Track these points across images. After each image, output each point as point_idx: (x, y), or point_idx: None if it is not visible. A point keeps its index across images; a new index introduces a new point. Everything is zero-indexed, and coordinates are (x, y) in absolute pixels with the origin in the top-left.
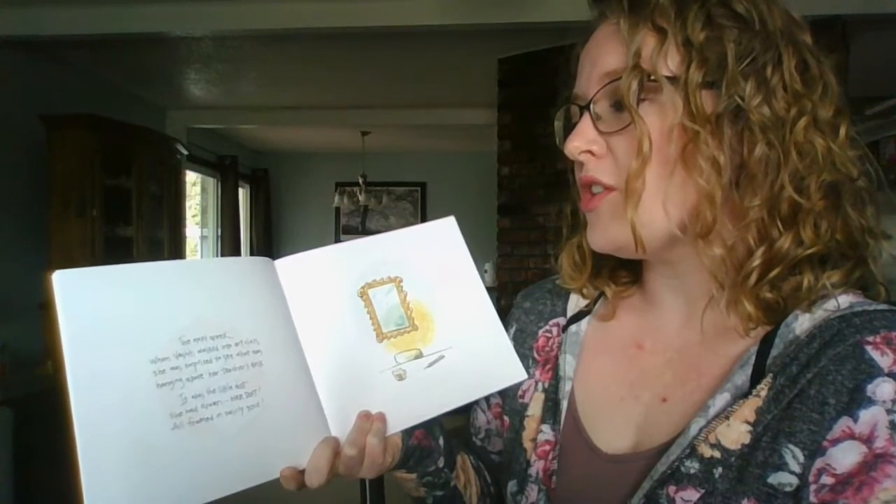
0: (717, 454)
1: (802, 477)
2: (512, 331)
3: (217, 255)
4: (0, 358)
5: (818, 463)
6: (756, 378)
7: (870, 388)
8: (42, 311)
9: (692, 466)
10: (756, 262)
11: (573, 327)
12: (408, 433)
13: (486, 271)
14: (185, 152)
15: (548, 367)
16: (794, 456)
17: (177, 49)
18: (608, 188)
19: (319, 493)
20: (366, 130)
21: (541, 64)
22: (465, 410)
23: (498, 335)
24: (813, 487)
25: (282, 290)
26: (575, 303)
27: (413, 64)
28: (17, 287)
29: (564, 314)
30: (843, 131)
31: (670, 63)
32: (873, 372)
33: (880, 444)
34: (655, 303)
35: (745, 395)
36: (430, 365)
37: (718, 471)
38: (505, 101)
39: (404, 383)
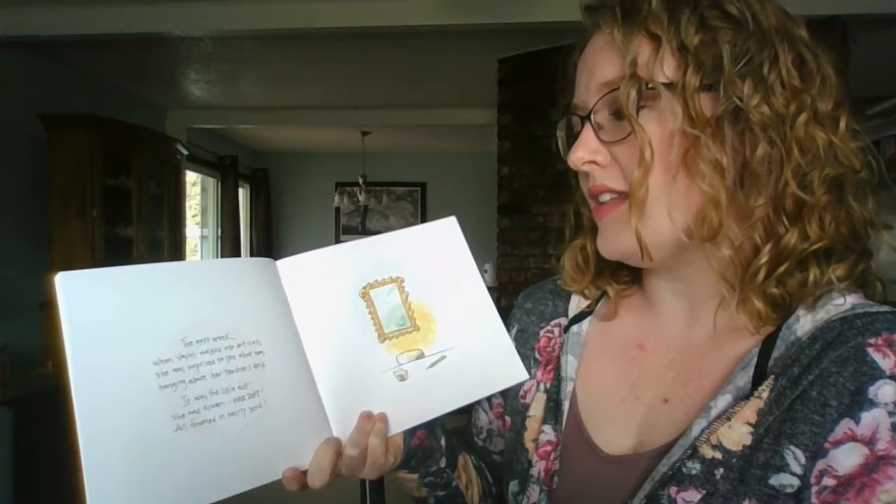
0: (718, 455)
1: (804, 478)
2: (513, 331)
3: (217, 255)
4: (0, 358)
5: (819, 464)
6: (758, 379)
7: (871, 390)
8: (42, 311)
9: (693, 467)
10: (763, 259)
11: (575, 328)
12: (409, 433)
13: (486, 271)
14: (185, 152)
15: (549, 367)
16: (795, 457)
17: (177, 49)
18: (621, 194)
19: (320, 493)
20: (366, 130)
21: (541, 64)
22: (467, 410)
23: (499, 335)
24: (814, 489)
25: (283, 290)
26: (576, 303)
27: (413, 64)
28: (18, 287)
29: (566, 314)
30: (843, 124)
31: (666, 69)
32: (875, 374)
33: (882, 446)
34: (655, 303)
35: (746, 396)
36: (432, 365)
37: (720, 472)
38: (505, 101)
39: (406, 384)
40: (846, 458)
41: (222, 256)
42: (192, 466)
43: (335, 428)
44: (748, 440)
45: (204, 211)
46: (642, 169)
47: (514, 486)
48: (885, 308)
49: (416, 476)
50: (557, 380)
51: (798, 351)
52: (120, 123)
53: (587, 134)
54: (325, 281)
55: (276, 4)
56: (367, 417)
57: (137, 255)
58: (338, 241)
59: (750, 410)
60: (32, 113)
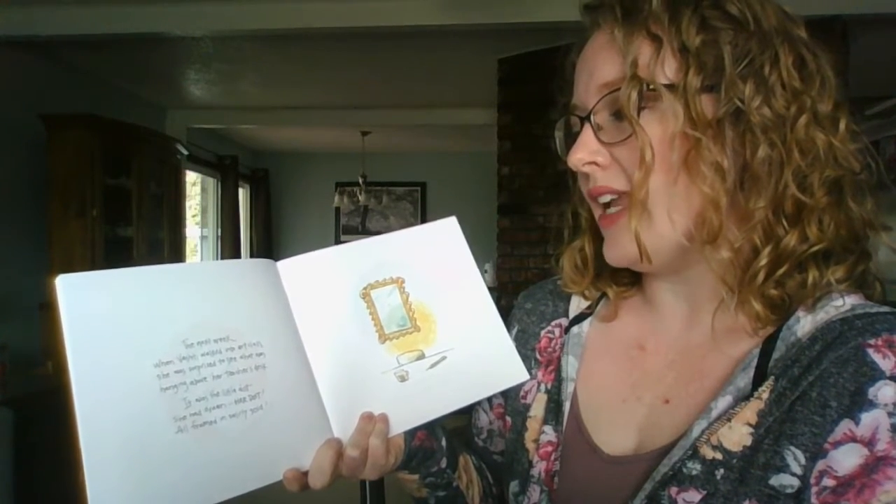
0: (718, 456)
1: (804, 479)
2: (514, 332)
3: (217, 255)
4: (0, 358)
5: (819, 465)
6: (758, 380)
7: (871, 390)
8: (42, 311)
9: (694, 468)
10: (763, 261)
11: (575, 328)
12: (410, 434)
13: (486, 271)
14: (185, 152)
15: (550, 368)
16: (795, 458)
17: (177, 49)
18: (623, 194)
19: (320, 494)
20: (366, 130)
21: (541, 64)
22: (467, 411)
23: (500, 336)
24: (814, 489)
25: (284, 291)
26: (576, 304)
27: (413, 64)
28: (18, 287)
29: (566, 315)
30: (842, 125)
31: (668, 70)
32: (875, 375)
33: (881, 446)
34: (656, 304)
35: (746, 397)
36: (433, 366)
37: (720, 472)
38: (505, 101)
39: (407, 384)
40: (846, 459)
41: (222, 256)
42: (193, 468)
43: (336, 429)
44: (748, 441)
45: (204, 211)
46: (643, 170)
47: (514, 486)
48: (884, 309)
49: (416, 477)
50: (558, 380)
51: (798, 352)
52: (120, 123)
53: (587, 135)
54: (325, 282)
55: (276, 4)
56: (368, 418)
57: (137, 256)
58: (338, 241)
59: (750, 411)
60: (32, 113)
